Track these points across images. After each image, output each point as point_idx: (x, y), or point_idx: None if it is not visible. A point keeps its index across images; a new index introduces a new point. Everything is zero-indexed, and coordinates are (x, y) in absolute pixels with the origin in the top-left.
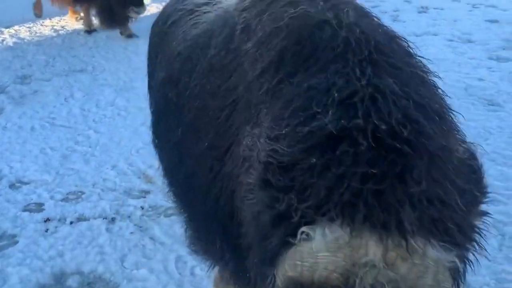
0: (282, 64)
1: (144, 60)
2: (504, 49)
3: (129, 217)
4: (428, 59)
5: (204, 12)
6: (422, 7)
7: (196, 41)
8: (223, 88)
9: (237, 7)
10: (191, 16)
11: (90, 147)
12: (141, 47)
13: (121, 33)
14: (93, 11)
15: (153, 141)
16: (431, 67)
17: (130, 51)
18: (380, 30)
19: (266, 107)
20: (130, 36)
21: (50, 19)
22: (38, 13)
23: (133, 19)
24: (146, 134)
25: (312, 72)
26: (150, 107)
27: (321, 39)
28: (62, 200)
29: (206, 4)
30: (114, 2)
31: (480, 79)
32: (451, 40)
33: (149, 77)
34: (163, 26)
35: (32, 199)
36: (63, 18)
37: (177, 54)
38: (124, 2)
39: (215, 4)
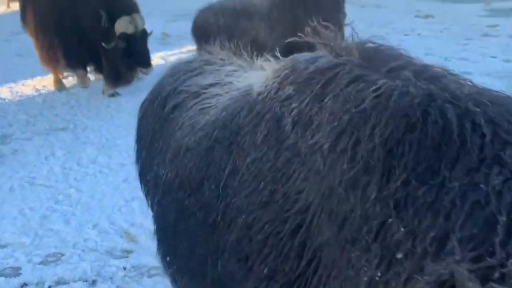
0: (396, 158)
1: (127, 117)
2: None
3: (111, 278)
4: None
5: (214, 95)
6: None
7: (211, 135)
8: (278, 196)
9: (273, 96)
10: (196, 100)
11: (70, 206)
12: (123, 104)
13: (103, 92)
14: (91, 69)
15: (165, 262)
16: None
17: (112, 108)
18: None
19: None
20: (112, 95)
21: (31, 79)
22: (60, 87)
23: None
24: (128, 190)
25: (459, 172)
26: (151, 209)
27: (445, 120)
28: (41, 263)
29: (213, 85)
30: (120, 64)
31: None
32: None
33: (140, 163)
34: (161, 110)
35: (8, 263)
36: (44, 77)
37: (186, 149)
38: (132, 63)
39: (225, 85)
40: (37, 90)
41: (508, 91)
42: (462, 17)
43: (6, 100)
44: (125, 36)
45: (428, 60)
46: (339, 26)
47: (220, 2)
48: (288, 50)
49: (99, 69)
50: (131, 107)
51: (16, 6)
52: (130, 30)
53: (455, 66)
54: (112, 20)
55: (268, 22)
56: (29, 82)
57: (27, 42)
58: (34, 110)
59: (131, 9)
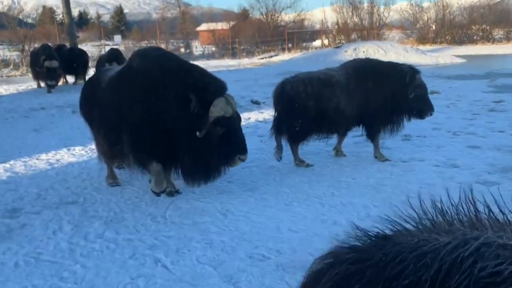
0: None
1: (136, 191)
2: (489, 173)
3: None
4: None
5: None
6: (405, 135)
7: None
8: None
9: None
10: None
11: (75, 283)
12: (134, 176)
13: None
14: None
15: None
16: (422, 191)
17: (122, 181)
18: None
19: None
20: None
21: (46, 153)
22: (114, 182)
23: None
24: (134, 268)
25: None
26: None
27: None
28: None
29: None
30: (213, 154)
31: None
32: (437, 166)
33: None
34: None
35: None
36: (58, 152)
37: None
38: (230, 151)
39: None
40: (50, 163)
41: None
42: (468, 93)
43: (19, 174)
44: (222, 120)
45: (436, 134)
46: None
47: (303, 73)
48: None
49: (174, 164)
50: (140, 179)
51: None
52: (228, 112)
53: (465, 141)
54: (205, 104)
55: (347, 92)
56: (43, 156)
57: (43, 119)
58: (46, 183)
59: (224, 88)
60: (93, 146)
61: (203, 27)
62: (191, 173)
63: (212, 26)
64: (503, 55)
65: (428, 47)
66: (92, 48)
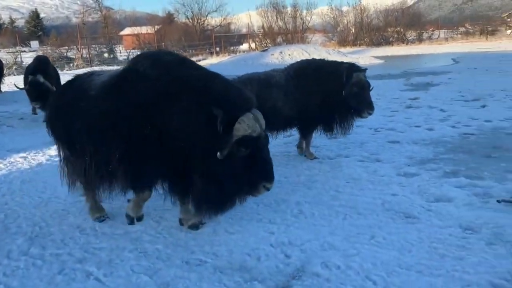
0: None
1: (63, 203)
2: (408, 165)
3: None
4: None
5: None
6: None
7: None
8: None
9: None
10: None
11: None
12: (59, 189)
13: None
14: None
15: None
16: (349, 185)
17: (47, 194)
18: None
19: None
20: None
21: None
22: (101, 216)
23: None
24: (63, 283)
25: None
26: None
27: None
28: None
29: None
30: (231, 180)
31: (394, 194)
32: (362, 161)
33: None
34: None
35: None
36: None
37: None
38: (254, 179)
39: None
40: None
41: (435, 157)
42: (387, 92)
43: None
44: (247, 140)
45: (359, 131)
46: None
47: (249, 73)
48: None
49: (176, 189)
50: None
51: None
52: (256, 131)
53: (385, 136)
54: (230, 120)
55: (285, 93)
56: None
57: None
58: None
59: (252, 103)
60: (62, 166)
61: (127, 31)
62: (204, 200)
63: (136, 30)
64: (417, 55)
65: (348, 49)
66: (6, 55)
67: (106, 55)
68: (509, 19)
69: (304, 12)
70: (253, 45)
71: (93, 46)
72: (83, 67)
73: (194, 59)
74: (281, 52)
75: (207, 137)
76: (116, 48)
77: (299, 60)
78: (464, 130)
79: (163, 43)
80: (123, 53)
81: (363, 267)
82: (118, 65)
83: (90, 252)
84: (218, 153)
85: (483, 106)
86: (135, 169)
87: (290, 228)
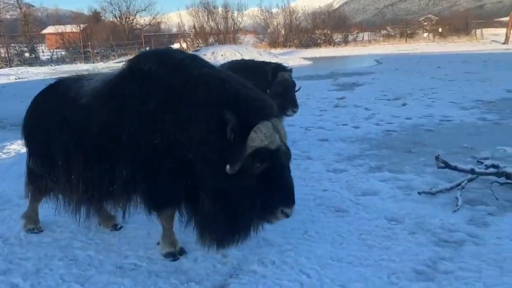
0: None
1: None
2: (337, 162)
3: None
4: None
5: None
6: None
7: None
8: None
9: None
10: None
11: None
12: None
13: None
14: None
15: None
16: None
17: None
18: None
19: None
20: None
21: None
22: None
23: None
24: None
25: None
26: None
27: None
28: None
29: None
30: (246, 202)
31: (324, 190)
32: (294, 159)
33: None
34: None
35: None
36: None
37: None
38: (272, 201)
39: None
40: None
41: (361, 153)
42: (316, 92)
43: None
44: (264, 153)
45: (291, 130)
46: None
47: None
48: None
49: (193, 212)
50: None
51: None
52: (275, 143)
53: (315, 135)
54: (244, 129)
55: None
56: None
57: None
58: None
59: (271, 109)
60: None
61: (50, 29)
62: (210, 224)
63: (60, 28)
64: (343, 56)
65: (279, 50)
66: None
67: (27, 54)
68: (425, 23)
69: (235, 13)
70: (184, 45)
71: (12, 45)
72: (1, 67)
73: (123, 59)
74: (213, 53)
75: (218, 148)
76: (38, 48)
77: (231, 60)
78: (387, 128)
79: (89, 43)
80: (46, 52)
81: (298, 262)
82: (41, 65)
83: (15, 263)
84: (228, 166)
85: (404, 105)
86: (156, 186)
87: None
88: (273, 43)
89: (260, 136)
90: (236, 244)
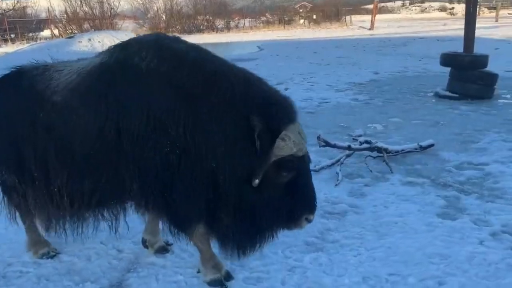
0: None
1: None
2: None
3: None
4: None
5: None
6: None
7: None
8: None
9: None
10: None
11: None
12: None
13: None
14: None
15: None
16: None
17: None
18: None
19: None
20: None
21: None
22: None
23: None
24: None
25: None
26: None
27: None
28: None
29: None
30: (268, 214)
31: None
32: None
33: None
34: None
35: None
36: None
37: None
38: (296, 208)
39: None
40: None
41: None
42: None
43: None
44: (291, 162)
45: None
46: None
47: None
48: None
49: (212, 222)
50: None
51: None
52: (302, 149)
53: None
54: (269, 135)
55: None
56: None
57: None
58: None
59: (294, 111)
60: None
61: None
62: (233, 235)
63: None
64: (226, 43)
65: None
66: None
67: None
68: (301, 10)
69: None
70: (56, 32)
71: None
72: None
73: None
74: (90, 39)
75: (242, 156)
76: None
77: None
78: None
79: None
80: None
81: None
82: None
83: None
84: (254, 180)
85: (286, 89)
86: (175, 201)
87: (120, 222)
88: (155, 29)
89: (289, 144)
90: (257, 251)
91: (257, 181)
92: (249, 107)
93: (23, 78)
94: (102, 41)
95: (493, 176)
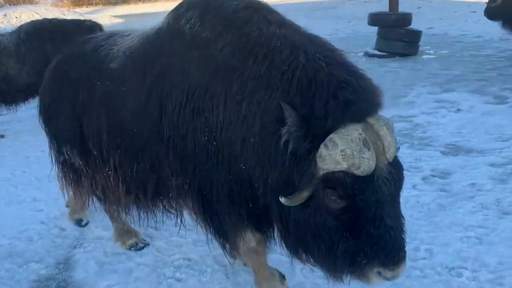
0: None
1: None
2: None
3: None
4: None
5: None
6: None
7: None
8: None
9: None
10: None
11: None
12: None
13: None
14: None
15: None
16: None
17: None
18: None
19: None
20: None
21: None
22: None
23: None
24: None
25: None
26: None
27: None
28: None
29: None
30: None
31: None
32: None
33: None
34: None
35: None
36: None
37: None
38: (361, 252)
39: None
40: None
41: None
42: None
43: None
44: (341, 183)
45: None
46: None
47: None
48: None
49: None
50: None
51: None
52: (361, 167)
53: None
54: (309, 134)
55: (17, 58)
56: None
57: None
58: None
59: (370, 101)
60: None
61: None
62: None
63: None
64: (155, 13)
65: (85, 9)
66: None
67: None
68: None
69: None
70: None
71: None
72: None
73: None
74: (5, 15)
75: (278, 159)
76: None
77: (31, 21)
78: None
79: None
80: None
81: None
82: None
83: None
84: (287, 198)
85: None
86: (211, 200)
87: (59, 201)
88: (77, 1)
89: (333, 155)
90: None
91: (292, 196)
92: (288, 88)
93: (89, 43)
94: (20, 17)
95: (421, 126)
